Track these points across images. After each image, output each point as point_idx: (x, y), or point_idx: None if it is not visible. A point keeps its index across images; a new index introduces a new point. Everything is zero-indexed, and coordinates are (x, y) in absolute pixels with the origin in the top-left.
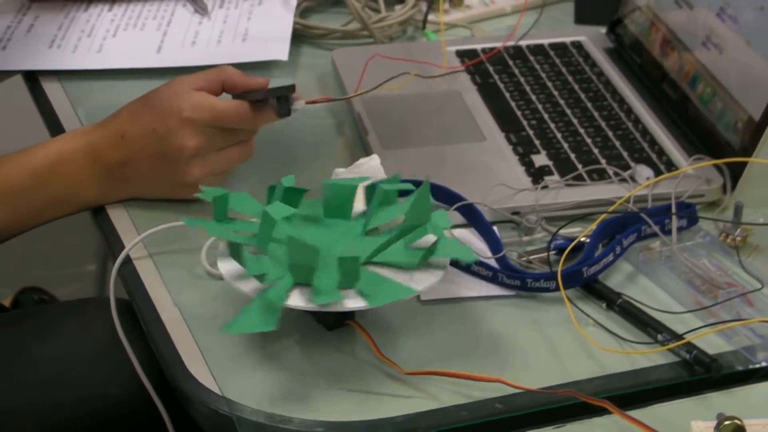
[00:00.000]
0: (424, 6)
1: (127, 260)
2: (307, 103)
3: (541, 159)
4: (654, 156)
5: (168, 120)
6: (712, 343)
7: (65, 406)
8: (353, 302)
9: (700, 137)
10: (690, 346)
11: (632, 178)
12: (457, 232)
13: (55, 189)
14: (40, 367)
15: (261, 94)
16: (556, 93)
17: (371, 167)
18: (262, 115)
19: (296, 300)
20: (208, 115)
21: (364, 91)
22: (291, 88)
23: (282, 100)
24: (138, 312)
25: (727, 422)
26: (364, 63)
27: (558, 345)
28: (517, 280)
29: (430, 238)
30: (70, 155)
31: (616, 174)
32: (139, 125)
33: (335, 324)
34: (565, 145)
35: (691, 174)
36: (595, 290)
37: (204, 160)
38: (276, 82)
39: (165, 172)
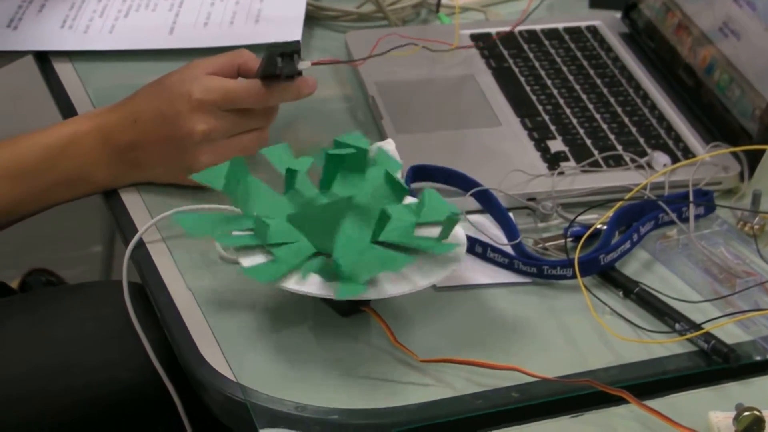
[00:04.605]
0: None
1: (140, 244)
2: (313, 64)
3: (556, 145)
4: (671, 143)
5: (178, 104)
6: (729, 332)
7: (75, 391)
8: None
9: (716, 124)
10: (708, 336)
11: (649, 165)
12: (473, 218)
13: (68, 170)
14: (49, 350)
15: (264, 58)
16: (571, 78)
17: None
18: (273, 93)
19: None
20: (219, 95)
21: (371, 56)
22: (295, 45)
23: (286, 58)
24: (151, 296)
25: (746, 413)
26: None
27: (574, 333)
28: (534, 267)
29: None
30: (83, 136)
31: (633, 160)
32: (151, 109)
33: (350, 310)
34: (581, 131)
35: (709, 161)
36: (612, 278)
37: (214, 146)
38: None
39: (174, 157)
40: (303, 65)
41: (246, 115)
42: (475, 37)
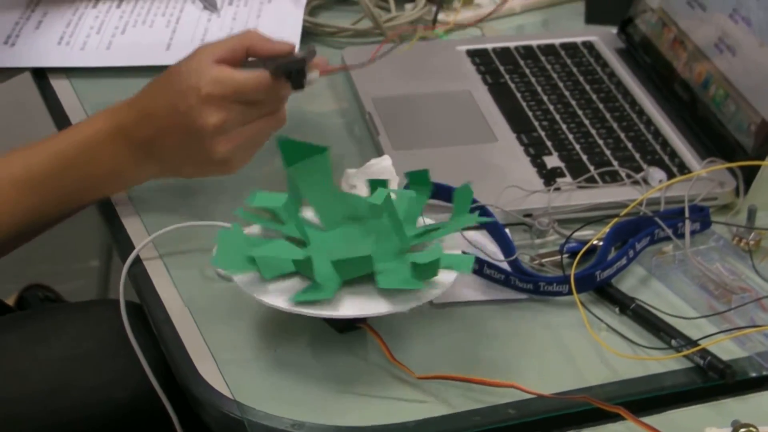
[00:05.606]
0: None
1: (137, 260)
2: (321, 74)
3: (553, 160)
4: (666, 158)
5: (189, 97)
6: (726, 348)
7: (73, 410)
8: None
9: (712, 139)
10: (704, 352)
11: (645, 181)
12: (470, 234)
13: (85, 172)
14: (45, 369)
15: (271, 68)
16: (567, 93)
17: (382, 168)
18: (283, 85)
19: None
20: (228, 89)
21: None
22: (303, 62)
23: (294, 73)
24: (148, 313)
25: (742, 429)
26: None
27: (571, 350)
28: (530, 283)
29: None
30: (98, 137)
31: (629, 176)
32: (163, 102)
33: (346, 327)
34: (577, 147)
35: (704, 177)
36: (608, 294)
37: (228, 135)
38: None
39: (191, 149)
40: (312, 76)
41: (258, 102)
42: (471, 53)
